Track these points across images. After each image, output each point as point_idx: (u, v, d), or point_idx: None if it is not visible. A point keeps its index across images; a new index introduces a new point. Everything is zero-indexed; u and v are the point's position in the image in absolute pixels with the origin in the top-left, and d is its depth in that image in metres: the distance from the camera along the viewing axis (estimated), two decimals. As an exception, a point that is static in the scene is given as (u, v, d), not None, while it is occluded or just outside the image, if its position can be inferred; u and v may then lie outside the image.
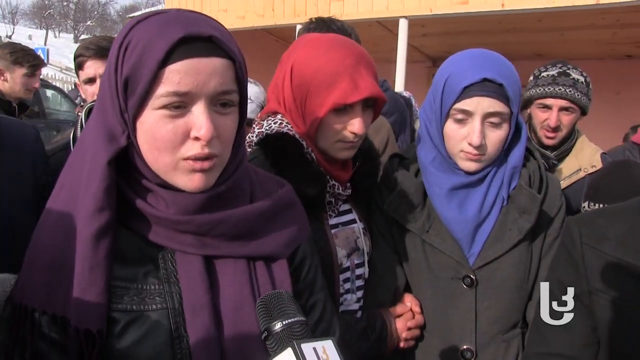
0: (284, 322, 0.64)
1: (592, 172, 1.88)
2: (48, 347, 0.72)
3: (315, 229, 1.17)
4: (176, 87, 0.71)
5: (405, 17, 4.64)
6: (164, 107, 0.73)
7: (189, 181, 0.76)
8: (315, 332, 0.91)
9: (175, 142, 0.73)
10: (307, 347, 0.59)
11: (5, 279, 0.80)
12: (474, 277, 1.22)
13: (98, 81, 1.95)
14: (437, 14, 4.49)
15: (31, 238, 0.78)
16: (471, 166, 1.21)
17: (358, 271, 1.30)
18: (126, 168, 0.78)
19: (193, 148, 0.74)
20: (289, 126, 1.21)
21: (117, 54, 0.75)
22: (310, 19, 1.94)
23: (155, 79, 0.71)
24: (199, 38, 0.73)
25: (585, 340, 1.00)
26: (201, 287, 0.77)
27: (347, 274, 1.27)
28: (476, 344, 1.23)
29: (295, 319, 0.65)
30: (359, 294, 1.30)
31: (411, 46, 5.77)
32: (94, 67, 1.98)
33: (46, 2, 48.95)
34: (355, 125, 1.13)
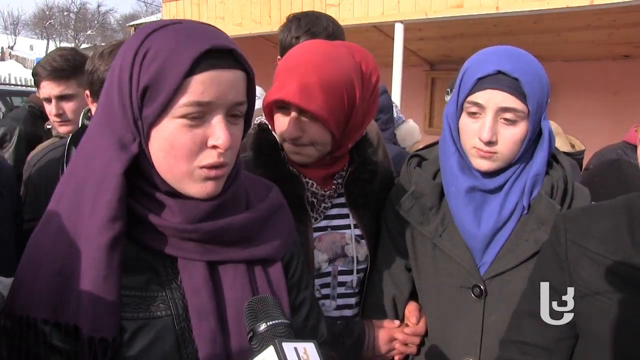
0: (268, 323, 0.66)
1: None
2: (62, 354, 0.72)
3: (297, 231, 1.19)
4: (199, 97, 0.73)
5: (401, 21, 4.65)
6: (184, 116, 0.74)
7: (202, 188, 0.78)
8: (304, 329, 0.93)
9: (193, 150, 0.76)
10: (288, 347, 0.61)
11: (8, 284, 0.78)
12: (483, 288, 1.17)
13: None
14: (432, 18, 4.49)
15: (27, 249, 0.77)
16: (482, 164, 1.15)
17: (342, 278, 1.27)
18: (130, 177, 0.77)
19: (210, 156, 0.77)
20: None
21: (132, 62, 0.75)
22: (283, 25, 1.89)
23: (178, 89, 0.73)
24: (222, 50, 0.75)
25: (560, 335, 1.01)
26: (206, 293, 0.79)
27: (327, 279, 1.25)
28: (480, 357, 1.18)
29: (279, 320, 0.67)
30: (340, 301, 1.28)
31: (409, 50, 5.78)
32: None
33: (47, 12, 49.27)
34: (284, 128, 1.16)
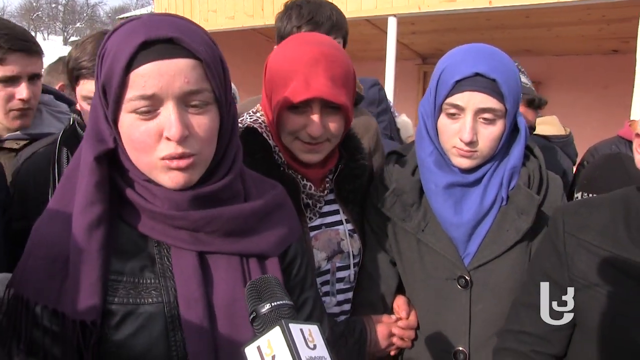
0: (272, 304, 0.65)
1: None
2: (42, 335, 0.75)
3: None
4: (142, 91, 0.74)
5: (394, 15, 4.66)
6: (134, 111, 0.76)
7: (169, 179, 0.79)
8: None
9: (149, 143, 0.76)
10: (294, 327, 0.60)
11: (6, 278, 0.82)
12: (468, 278, 1.20)
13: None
14: (425, 12, 4.51)
15: (31, 230, 0.81)
16: (463, 163, 1.18)
17: (340, 274, 1.28)
18: (122, 166, 0.82)
19: (167, 148, 0.77)
20: (261, 121, 1.19)
21: (98, 64, 0.79)
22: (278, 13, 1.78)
23: (123, 85, 0.75)
24: (159, 41, 0.75)
25: (556, 326, 1.04)
26: (194, 282, 0.80)
27: (327, 277, 1.26)
28: (470, 346, 1.21)
29: (284, 301, 0.66)
30: (340, 297, 1.29)
31: (401, 44, 5.78)
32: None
33: (34, 4, 48.43)
34: (309, 127, 1.09)
